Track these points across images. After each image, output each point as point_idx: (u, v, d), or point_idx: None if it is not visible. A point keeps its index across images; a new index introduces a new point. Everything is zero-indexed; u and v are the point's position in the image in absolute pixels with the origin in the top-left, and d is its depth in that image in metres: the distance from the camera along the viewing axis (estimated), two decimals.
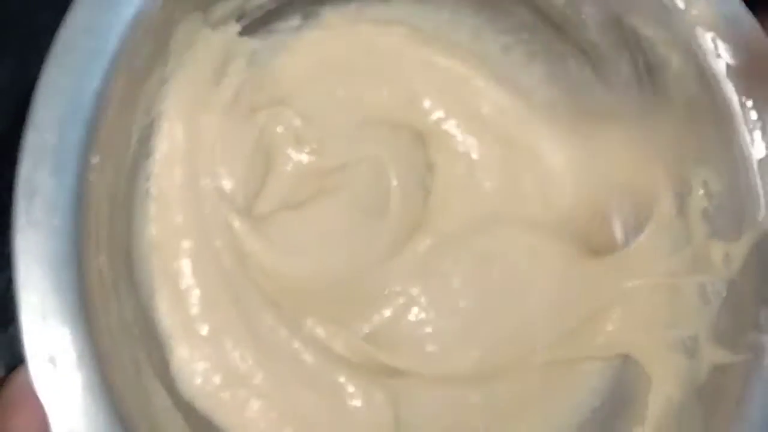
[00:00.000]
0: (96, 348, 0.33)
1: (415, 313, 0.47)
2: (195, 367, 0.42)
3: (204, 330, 0.42)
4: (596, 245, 0.50)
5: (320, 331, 0.45)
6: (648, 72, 0.46)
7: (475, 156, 0.50)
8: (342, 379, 0.45)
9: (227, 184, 0.45)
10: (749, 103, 0.43)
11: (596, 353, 0.48)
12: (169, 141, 0.42)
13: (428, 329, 0.47)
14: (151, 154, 0.42)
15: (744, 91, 0.43)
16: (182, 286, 0.42)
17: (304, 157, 0.47)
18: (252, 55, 0.46)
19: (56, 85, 0.34)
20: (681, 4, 0.44)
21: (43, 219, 0.33)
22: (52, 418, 0.32)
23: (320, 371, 0.45)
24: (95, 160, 0.34)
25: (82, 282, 0.33)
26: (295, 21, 0.47)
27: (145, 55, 0.37)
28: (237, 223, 0.44)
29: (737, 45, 0.43)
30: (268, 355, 0.44)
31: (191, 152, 0.43)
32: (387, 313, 0.47)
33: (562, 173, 0.50)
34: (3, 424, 0.32)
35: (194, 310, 0.42)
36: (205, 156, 0.44)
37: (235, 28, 0.44)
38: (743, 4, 0.44)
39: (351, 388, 0.45)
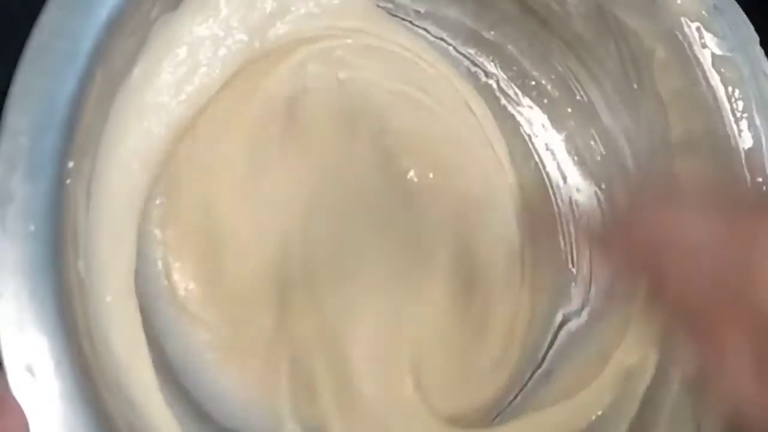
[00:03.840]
0: (74, 356, 0.32)
1: None
2: None
3: None
4: None
5: None
6: (634, 64, 0.46)
7: None
8: None
9: None
10: (736, 93, 0.43)
11: None
12: None
13: None
14: None
15: None
16: None
17: None
18: None
19: (30, 89, 0.33)
20: None
21: (18, 226, 0.32)
22: (32, 427, 0.31)
23: None
24: (71, 164, 0.34)
25: (59, 289, 0.33)
26: None
27: (123, 55, 0.37)
28: None
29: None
30: None
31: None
32: None
33: None
34: None
35: None
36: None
37: None
38: None
39: None
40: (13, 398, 0.31)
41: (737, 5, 0.43)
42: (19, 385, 0.31)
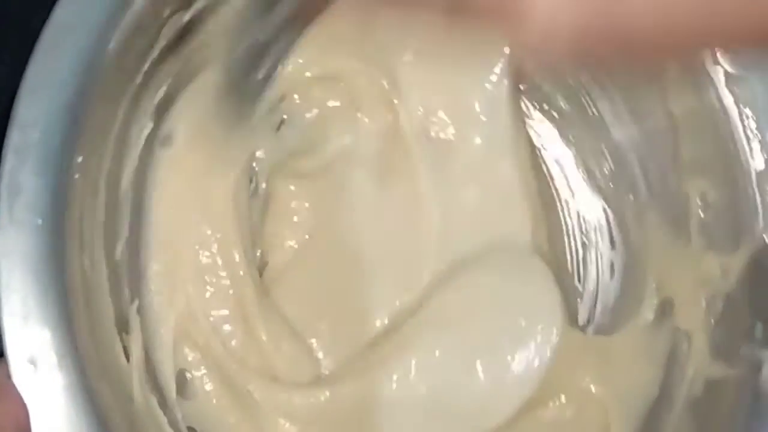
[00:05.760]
0: (77, 350, 0.32)
1: None
2: None
3: None
4: None
5: None
6: (646, 80, 0.46)
7: None
8: None
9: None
10: (749, 113, 0.43)
11: None
12: None
13: None
14: None
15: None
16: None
17: None
18: None
19: (41, 83, 0.34)
20: None
21: (25, 218, 0.32)
22: (32, 419, 0.31)
23: None
24: (79, 159, 0.34)
25: (64, 283, 0.33)
26: None
27: (134, 53, 0.37)
28: None
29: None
30: None
31: None
32: None
33: None
34: None
35: None
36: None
37: None
38: None
39: None
40: (12, 387, 0.31)
41: None
42: (20, 376, 0.32)
